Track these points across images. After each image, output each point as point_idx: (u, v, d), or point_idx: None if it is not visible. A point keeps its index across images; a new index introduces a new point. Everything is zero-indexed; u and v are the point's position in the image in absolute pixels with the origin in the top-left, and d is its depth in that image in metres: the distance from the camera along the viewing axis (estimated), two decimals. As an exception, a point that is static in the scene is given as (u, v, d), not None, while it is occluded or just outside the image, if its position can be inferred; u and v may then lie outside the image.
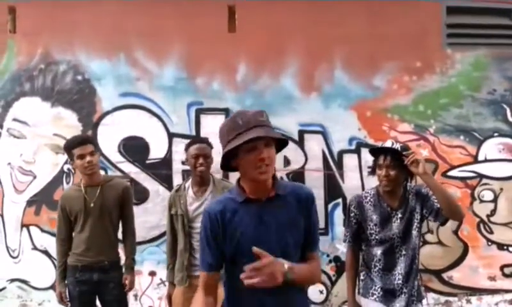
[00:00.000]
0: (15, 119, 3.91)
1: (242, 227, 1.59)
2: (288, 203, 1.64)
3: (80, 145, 2.80)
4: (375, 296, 2.48)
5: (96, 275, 2.86)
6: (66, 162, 3.86)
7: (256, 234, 1.58)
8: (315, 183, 3.93)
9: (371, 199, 2.54)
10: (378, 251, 2.50)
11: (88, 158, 2.79)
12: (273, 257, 1.47)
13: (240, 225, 1.59)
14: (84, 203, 2.86)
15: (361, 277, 2.62)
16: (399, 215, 2.48)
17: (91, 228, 2.86)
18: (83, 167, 2.81)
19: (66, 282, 2.92)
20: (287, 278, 1.47)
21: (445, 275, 4.03)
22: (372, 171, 2.55)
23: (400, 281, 2.47)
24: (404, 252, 2.48)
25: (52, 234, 3.78)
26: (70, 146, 2.84)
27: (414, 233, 2.49)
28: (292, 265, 1.52)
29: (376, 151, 2.53)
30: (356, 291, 2.63)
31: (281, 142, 1.65)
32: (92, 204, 2.86)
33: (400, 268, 2.48)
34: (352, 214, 2.57)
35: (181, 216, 2.86)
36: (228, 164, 1.63)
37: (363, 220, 2.53)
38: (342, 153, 4.00)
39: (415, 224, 2.48)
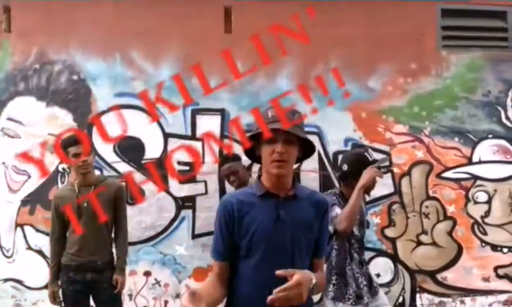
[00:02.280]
0: (9, 119, 3.89)
1: (259, 221, 1.59)
2: (306, 206, 1.65)
3: (76, 144, 2.80)
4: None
5: (89, 275, 2.85)
6: (61, 162, 3.85)
7: (272, 229, 1.59)
8: (310, 183, 3.93)
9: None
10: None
11: (83, 157, 2.79)
12: (300, 273, 1.44)
13: (257, 219, 1.60)
14: (77, 202, 2.85)
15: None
16: None
17: (84, 228, 2.83)
18: (77, 166, 2.82)
19: (59, 282, 2.92)
20: (310, 293, 1.49)
21: (439, 276, 4.05)
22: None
23: None
24: None
25: (47, 234, 3.75)
26: (66, 145, 2.83)
27: None
28: (316, 280, 1.53)
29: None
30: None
31: (309, 149, 1.68)
32: (85, 204, 2.84)
33: None
34: None
35: None
36: (254, 154, 1.69)
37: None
38: (337, 154, 4.00)
39: None
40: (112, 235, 3.03)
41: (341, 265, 2.53)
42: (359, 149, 2.99)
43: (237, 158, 3.00)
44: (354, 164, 2.59)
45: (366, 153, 2.66)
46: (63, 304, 2.94)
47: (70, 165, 2.91)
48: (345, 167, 2.64)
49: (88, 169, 2.86)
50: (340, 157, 3.94)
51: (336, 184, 2.74)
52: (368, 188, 2.57)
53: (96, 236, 2.88)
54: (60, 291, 2.93)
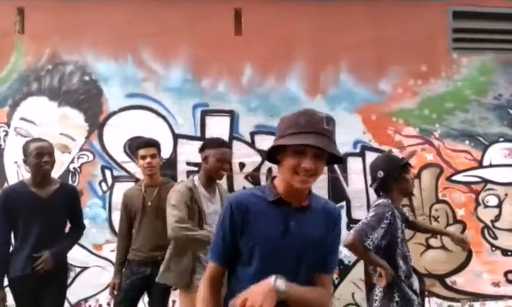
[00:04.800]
0: (22, 119, 3.95)
1: (266, 229, 1.49)
2: (318, 218, 1.54)
3: (145, 147, 3.08)
4: None
5: (149, 270, 3.04)
6: (72, 162, 3.90)
7: (279, 240, 1.48)
8: (319, 185, 3.92)
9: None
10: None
11: (148, 159, 3.05)
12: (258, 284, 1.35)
13: (264, 226, 1.49)
14: (142, 201, 3.10)
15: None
16: None
17: (147, 226, 3.07)
18: (143, 168, 3.09)
19: (122, 275, 3.13)
20: (280, 295, 1.35)
21: (448, 281, 4.02)
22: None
23: None
24: None
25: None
26: (136, 147, 3.15)
27: None
28: (289, 284, 1.38)
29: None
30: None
31: (335, 157, 1.50)
32: (149, 203, 3.09)
33: None
34: (387, 221, 2.41)
35: (198, 213, 2.81)
36: (273, 156, 1.54)
37: (395, 229, 2.46)
38: (346, 156, 4.00)
39: None
40: None
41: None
42: (384, 153, 2.90)
43: (230, 146, 3.07)
44: (389, 167, 2.51)
45: (393, 154, 2.64)
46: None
47: (139, 166, 3.17)
48: (380, 174, 2.52)
49: (153, 171, 3.09)
50: (349, 159, 4.01)
51: (374, 194, 2.65)
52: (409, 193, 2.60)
53: (158, 234, 3.01)
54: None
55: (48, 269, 2.81)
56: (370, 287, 2.52)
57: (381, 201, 2.48)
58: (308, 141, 1.38)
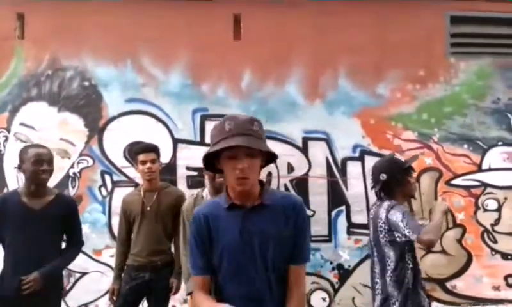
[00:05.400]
0: (22, 124, 3.96)
1: (225, 233, 1.57)
2: (275, 213, 1.58)
3: (144, 152, 3.06)
4: None
5: (148, 275, 3.03)
6: (71, 167, 3.90)
7: (239, 242, 1.55)
8: (318, 190, 3.95)
9: None
10: None
11: (148, 164, 3.03)
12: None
13: (224, 231, 1.57)
14: (141, 206, 3.07)
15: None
16: None
17: (146, 230, 3.05)
18: (143, 173, 3.06)
19: (121, 281, 3.10)
20: None
21: (448, 285, 4.02)
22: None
23: None
24: None
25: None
26: (136, 152, 3.13)
27: None
28: None
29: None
30: None
31: (272, 155, 1.61)
32: (148, 208, 3.06)
33: None
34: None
35: None
36: (213, 166, 1.61)
37: None
38: (345, 160, 4.01)
39: None
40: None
41: (414, 280, 2.45)
42: (387, 155, 2.89)
43: None
44: (392, 170, 2.51)
45: (396, 157, 2.63)
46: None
47: (138, 171, 3.16)
48: (383, 176, 2.51)
49: (153, 176, 3.07)
50: (348, 163, 4.02)
51: (374, 195, 2.65)
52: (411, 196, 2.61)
53: (157, 239, 3.06)
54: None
55: (37, 290, 2.50)
56: (385, 297, 2.49)
57: (388, 202, 2.47)
58: (234, 142, 1.46)
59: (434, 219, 2.39)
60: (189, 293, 2.86)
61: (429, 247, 2.34)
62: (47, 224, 2.61)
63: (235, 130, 1.49)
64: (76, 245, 2.86)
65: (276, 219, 1.58)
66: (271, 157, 1.63)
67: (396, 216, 2.35)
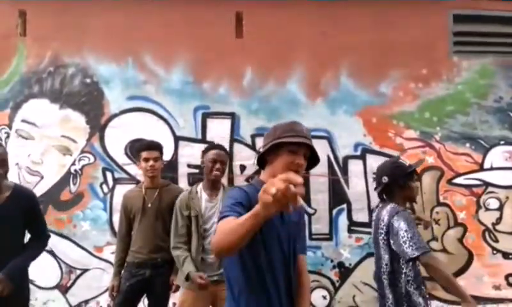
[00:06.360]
0: (23, 121, 3.96)
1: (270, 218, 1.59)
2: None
3: (148, 149, 3.07)
4: None
5: (148, 272, 3.04)
6: (73, 164, 3.91)
7: (280, 228, 1.70)
8: (320, 188, 3.95)
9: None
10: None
11: (151, 162, 3.05)
12: None
13: None
14: (142, 203, 3.08)
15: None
16: None
17: (147, 227, 3.06)
18: (145, 170, 3.08)
19: (120, 277, 3.11)
20: None
21: (449, 284, 4.00)
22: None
23: None
24: None
25: (59, 234, 3.83)
26: (139, 149, 3.13)
27: None
28: None
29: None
30: None
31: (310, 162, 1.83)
32: (149, 205, 3.08)
33: None
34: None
35: (195, 217, 2.89)
36: (263, 159, 1.80)
37: None
38: (347, 158, 4.01)
39: None
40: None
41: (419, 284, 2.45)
42: (392, 158, 2.89)
43: (226, 151, 3.11)
44: (395, 174, 2.51)
45: (400, 160, 2.63)
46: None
47: (140, 168, 3.16)
48: (385, 179, 2.52)
49: (154, 173, 3.08)
50: (350, 161, 4.02)
51: (376, 197, 2.66)
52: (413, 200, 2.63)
53: (157, 236, 3.06)
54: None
55: (4, 292, 2.37)
56: (382, 297, 2.48)
57: (392, 205, 2.47)
58: (304, 140, 1.70)
59: (453, 284, 2.39)
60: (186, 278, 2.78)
61: (425, 268, 2.32)
62: (6, 223, 2.47)
63: (301, 133, 1.73)
64: (41, 238, 2.73)
65: (296, 211, 1.73)
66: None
67: (400, 225, 2.33)
